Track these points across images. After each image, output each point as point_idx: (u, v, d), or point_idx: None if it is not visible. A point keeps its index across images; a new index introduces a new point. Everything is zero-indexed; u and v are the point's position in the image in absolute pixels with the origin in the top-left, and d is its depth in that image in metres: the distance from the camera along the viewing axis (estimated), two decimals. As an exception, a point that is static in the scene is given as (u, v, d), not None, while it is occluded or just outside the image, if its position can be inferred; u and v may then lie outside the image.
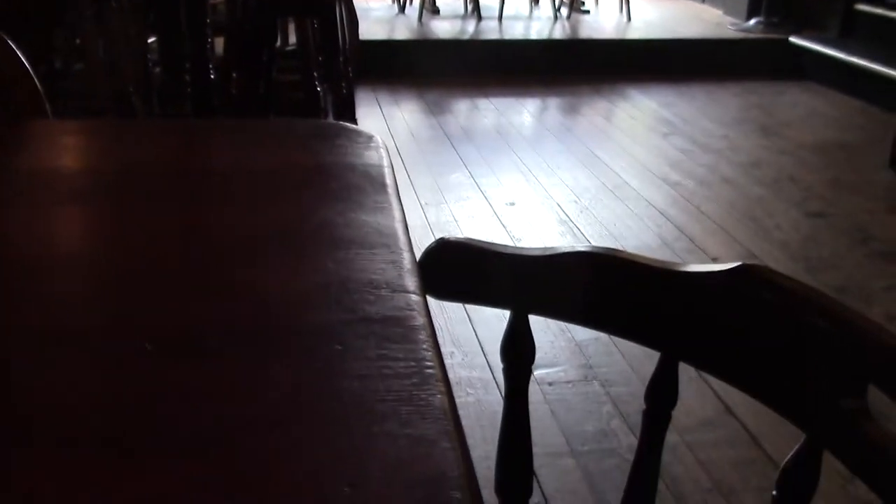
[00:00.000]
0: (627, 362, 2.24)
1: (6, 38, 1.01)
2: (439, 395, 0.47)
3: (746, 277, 0.69)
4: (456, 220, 3.08)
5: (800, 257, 2.87)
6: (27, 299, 0.59)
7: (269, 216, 0.73)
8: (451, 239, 0.81)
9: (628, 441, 1.94)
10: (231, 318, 0.55)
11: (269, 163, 0.85)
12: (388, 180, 0.79)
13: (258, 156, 0.87)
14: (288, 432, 0.45)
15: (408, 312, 0.56)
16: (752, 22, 5.93)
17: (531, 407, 0.84)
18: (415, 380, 0.48)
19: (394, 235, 0.68)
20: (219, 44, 3.86)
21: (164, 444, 0.45)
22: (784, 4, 5.90)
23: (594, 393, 2.10)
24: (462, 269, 0.80)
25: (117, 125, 1.05)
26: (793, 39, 5.56)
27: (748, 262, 0.70)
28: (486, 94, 4.94)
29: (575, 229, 3.05)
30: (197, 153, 0.90)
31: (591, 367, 2.20)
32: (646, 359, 2.21)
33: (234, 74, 3.44)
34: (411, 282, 0.60)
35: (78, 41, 3.20)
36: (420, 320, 0.55)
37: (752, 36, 5.79)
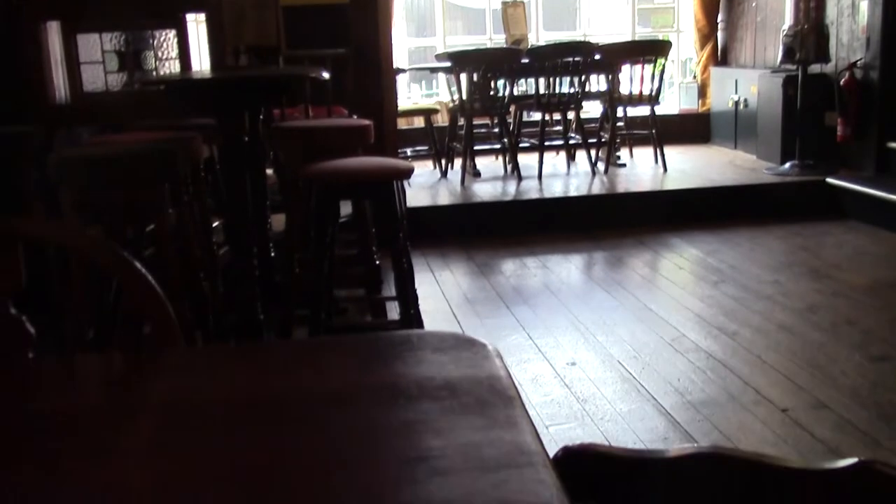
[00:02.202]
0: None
1: (139, 267, 1.11)
2: None
3: (866, 476, 0.74)
4: (521, 385, 3.12)
5: (870, 404, 2.85)
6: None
7: (409, 439, 0.79)
8: (574, 447, 0.87)
9: None
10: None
11: (398, 380, 0.92)
12: (513, 393, 0.86)
13: (382, 373, 0.95)
14: None
15: (572, 536, 0.61)
16: (787, 165, 6.08)
17: None
18: None
19: (534, 453, 0.74)
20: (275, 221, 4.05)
21: None
22: (817, 146, 6.06)
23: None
24: (586, 474, 0.85)
25: (248, 350, 1.13)
26: (830, 180, 5.68)
27: (864, 459, 0.75)
28: (533, 252, 5.06)
29: (639, 386, 3.07)
30: (319, 375, 0.97)
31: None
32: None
33: (297, 255, 3.59)
34: (565, 502, 0.66)
35: (150, 228, 3.38)
36: (584, 544, 0.60)
37: (788, 179, 5.92)
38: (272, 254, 3.74)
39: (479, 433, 0.78)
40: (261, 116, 3.39)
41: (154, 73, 4.24)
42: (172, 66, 4.25)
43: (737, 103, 7.15)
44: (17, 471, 0.78)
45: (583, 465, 0.85)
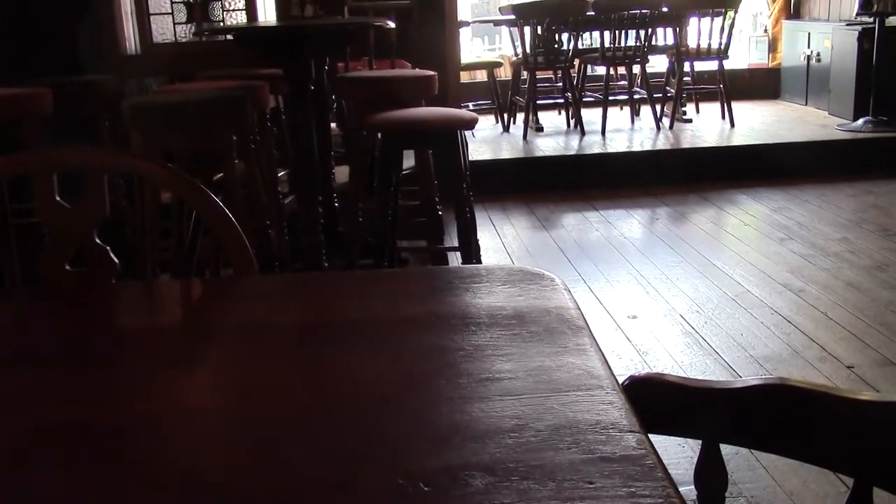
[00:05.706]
0: (771, 476, 2.21)
1: (213, 195, 1.15)
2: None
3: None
4: (580, 335, 3.13)
5: (940, 362, 2.80)
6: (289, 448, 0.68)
7: (480, 362, 0.81)
8: (641, 375, 0.88)
9: (782, 560, 1.90)
10: (485, 460, 0.63)
11: (467, 309, 0.94)
12: (581, 323, 0.87)
13: (452, 302, 0.97)
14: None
15: (641, 451, 0.62)
16: (861, 122, 5.91)
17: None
18: (667, 516, 0.54)
19: (603, 377, 0.76)
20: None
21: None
22: (893, 102, 5.87)
23: (741, 510, 2.08)
24: (652, 403, 0.86)
25: (321, 277, 1.16)
26: (904, 137, 5.51)
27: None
28: (595, 207, 5.03)
29: (701, 340, 3.05)
30: (390, 302, 0.99)
31: (735, 482, 2.18)
32: (790, 473, 2.18)
33: (361, 204, 3.63)
34: (634, 421, 0.67)
35: (217, 177, 3.44)
36: (653, 458, 0.61)
37: (861, 136, 5.75)
38: (336, 204, 3.78)
39: (548, 358, 0.79)
40: (325, 67, 3.42)
41: (221, 23, 4.29)
42: (239, 17, 4.29)
43: (809, 57, 6.95)
44: (100, 380, 0.83)
45: (649, 394, 0.86)
